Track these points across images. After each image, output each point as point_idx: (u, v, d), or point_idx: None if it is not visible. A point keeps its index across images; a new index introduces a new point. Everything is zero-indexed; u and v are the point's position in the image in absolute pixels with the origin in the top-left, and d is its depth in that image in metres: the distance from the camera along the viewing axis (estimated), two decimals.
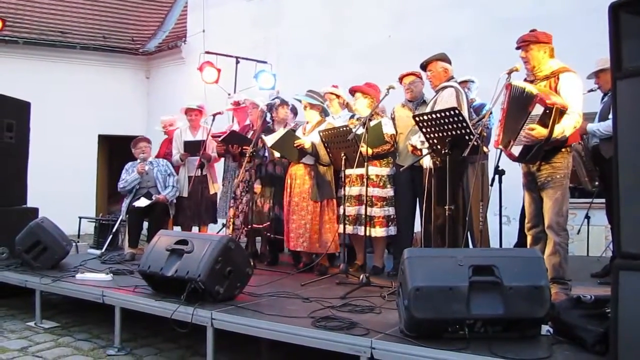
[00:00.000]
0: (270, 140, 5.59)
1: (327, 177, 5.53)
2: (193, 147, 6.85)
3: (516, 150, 4.00)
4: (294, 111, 6.52)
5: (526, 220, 4.29)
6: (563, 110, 3.82)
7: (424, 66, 5.10)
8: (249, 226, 5.87)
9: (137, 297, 4.25)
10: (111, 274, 5.03)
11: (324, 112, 5.76)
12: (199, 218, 6.88)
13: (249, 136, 6.29)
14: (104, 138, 12.88)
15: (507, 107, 4.10)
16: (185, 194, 6.83)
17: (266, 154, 6.03)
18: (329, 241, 5.37)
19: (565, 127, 3.86)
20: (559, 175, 4.00)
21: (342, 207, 5.28)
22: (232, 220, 6.27)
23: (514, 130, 3.99)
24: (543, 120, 3.79)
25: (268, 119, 6.49)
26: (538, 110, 3.81)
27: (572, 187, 4.85)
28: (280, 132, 5.69)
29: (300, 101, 5.81)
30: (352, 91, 5.69)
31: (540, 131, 3.80)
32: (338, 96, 6.06)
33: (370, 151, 5.16)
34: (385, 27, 9.59)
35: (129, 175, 6.66)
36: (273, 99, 6.49)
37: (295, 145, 5.46)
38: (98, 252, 6.55)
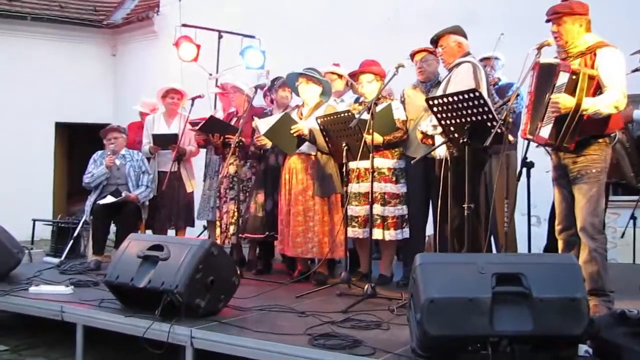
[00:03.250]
0: (264, 126, 5.57)
1: (328, 169, 5.52)
2: (163, 141, 6.88)
3: (545, 132, 4.01)
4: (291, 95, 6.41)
5: (556, 222, 4.31)
6: (592, 76, 3.87)
7: (435, 41, 5.10)
8: (242, 234, 5.89)
9: (103, 312, 4.26)
10: (72, 286, 5.04)
11: (327, 92, 5.69)
12: (174, 220, 6.90)
13: (232, 124, 6.31)
14: (62, 126, 12.85)
15: (535, 89, 4.12)
16: (155, 193, 6.85)
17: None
18: (342, 244, 5.36)
19: (599, 103, 3.87)
20: (595, 169, 4.01)
21: (345, 206, 5.29)
22: (217, 223, 6.30)
23: (541, 110, 4.02)
24: (570, 90, 3.85)
25: (263, 103, 6.50)
26: (564, 80, 3.88)
27: (614, 183, 4.88)
28: (275, 116, 5.66)
29: (293, 82, 5.77)
30: (356, 74, 5.68)
31: (566, 99, 3.84)
32: (341, 76, 6.06)
33: (380, 139, 5.18)
34: None
35: (96, 169, 6.67)
36: (261, 81, 6.51)
37: (292, 132, 5.43)
38: (56, 260, 6.55)
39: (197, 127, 6.43)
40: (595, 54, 4.00)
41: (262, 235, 5.94)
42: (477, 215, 4.78)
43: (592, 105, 3.86)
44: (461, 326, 2.99)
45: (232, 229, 6.17)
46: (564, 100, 3.85)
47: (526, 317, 3.02)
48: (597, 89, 3.95)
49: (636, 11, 6.45)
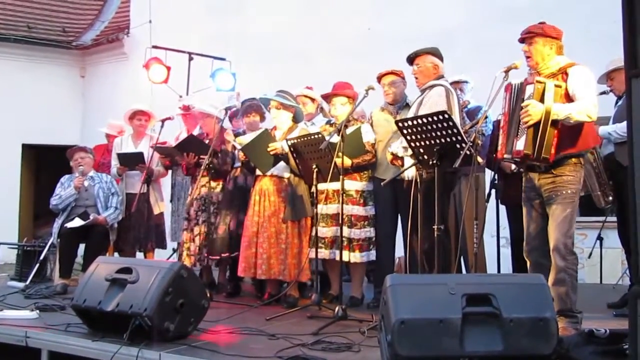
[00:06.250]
0: (243, 141, 5.59)
1: (299, 192, 5.54)
2: (130, 160, 6.83)
3: (521, 144, 4.00)
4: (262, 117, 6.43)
5: (525, 242, 4.33)
6: (559, 85, 3.94)
7: (412, 59, 5.14)
8: (211, 256, 5.88)
9: (70, 337, 4.18)
10: (37, 311, 4.95)
11: (298, 117, 5.76)
12: (142, 242, 6.85)
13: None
14: (29, 148, 12.72)
15: (508, 110, 4.16)
16: (123, 215, 6.79)
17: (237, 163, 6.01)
18: (306, 267, 5.39)
19: (569, 108, 3.90)
20: (569, 190, 4.04)
21: (315, 227, 5.31)
22: (186, 245, 6.22)
23: (514, 127, 4.05)
24: (538, 98, 3.91)
25: (230, 125, 6.50)
26: (532, 91, 3.95)
27: (580, 199, 4.93)
28: (255, 133, 5.68)
29: (267, 105, 5.79)
30: (329, 97, 5.72)
31: (535, 104, 3.87)
32: (313, 99, 6.09)
33: (348, 162, 5.21)
34: (365, 18, 9.71)
35: (64, 191, 6.59)
36: (232, 103, 6.51)
37: (269, 150, 5.44)
38: (21, 284, 6.45)
39: (176, 145, 6.36)
40: (566, 73, 4.06)
41: (228, 255, 5.90)
42: (447, 236, 4.81)
43: (561, 110, 3.88)
44: (432, 347, 3.00)
45: (204, 251, 6.12)
46: (533, 105, 3.87)
47: (496, 338, 3.04)
48: (568, 101, 3.99)
49: (601, 32, 6.61)
